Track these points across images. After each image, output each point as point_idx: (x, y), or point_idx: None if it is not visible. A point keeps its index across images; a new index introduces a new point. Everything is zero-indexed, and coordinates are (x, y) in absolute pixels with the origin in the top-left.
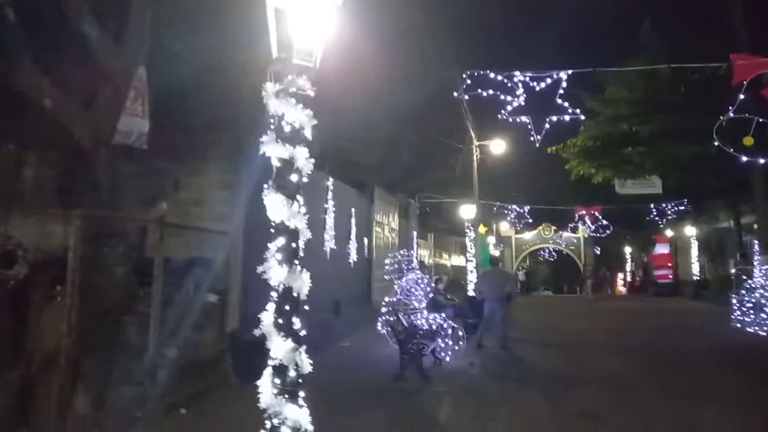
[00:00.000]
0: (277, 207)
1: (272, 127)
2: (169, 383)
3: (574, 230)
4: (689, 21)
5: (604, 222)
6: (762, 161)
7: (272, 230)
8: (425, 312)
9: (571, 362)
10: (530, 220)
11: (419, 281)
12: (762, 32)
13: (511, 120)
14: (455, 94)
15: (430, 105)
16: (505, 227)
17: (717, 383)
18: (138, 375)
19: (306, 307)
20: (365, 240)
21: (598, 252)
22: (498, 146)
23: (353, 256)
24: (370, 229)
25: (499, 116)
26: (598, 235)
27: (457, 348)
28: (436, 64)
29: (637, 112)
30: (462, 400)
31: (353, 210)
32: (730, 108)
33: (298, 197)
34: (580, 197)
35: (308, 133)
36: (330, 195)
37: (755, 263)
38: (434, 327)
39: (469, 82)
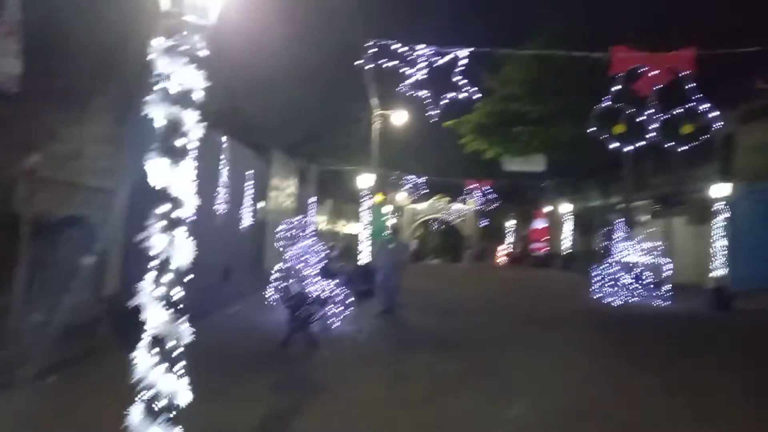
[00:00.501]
0: (160, 172)
1: (159, 86)
2: (39, 348)
3: (464, 202)
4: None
5: (492, 196)
6: (632, 148)
7: (156, 196)
8: (317, 279)
9: (450, 326)
10: (426, 191)
11: (313, 248)
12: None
13: (410, 94)
14: (359, 61)
15: (334, 70)
16: (401, 196)
17: (571, 340)
18: (1, 339)
19: (191, 275)
20: (260, 204)
21: (486, 224)
22: (399, 117)
23: (247, 221)
24: (266, 192)
25: (399, 89)
26: (486, 208)
27: (346, 314)
28: (342, 29)
29: (529, 92)
30: (346, 364)
31: (248, 173)
32: (603, 99)
33: (185, 162)
34: (472, 171)
35: (199, 95)
36: (224, 156)
37: (617, 239)
38: (325, 294)
39: (373, 50)
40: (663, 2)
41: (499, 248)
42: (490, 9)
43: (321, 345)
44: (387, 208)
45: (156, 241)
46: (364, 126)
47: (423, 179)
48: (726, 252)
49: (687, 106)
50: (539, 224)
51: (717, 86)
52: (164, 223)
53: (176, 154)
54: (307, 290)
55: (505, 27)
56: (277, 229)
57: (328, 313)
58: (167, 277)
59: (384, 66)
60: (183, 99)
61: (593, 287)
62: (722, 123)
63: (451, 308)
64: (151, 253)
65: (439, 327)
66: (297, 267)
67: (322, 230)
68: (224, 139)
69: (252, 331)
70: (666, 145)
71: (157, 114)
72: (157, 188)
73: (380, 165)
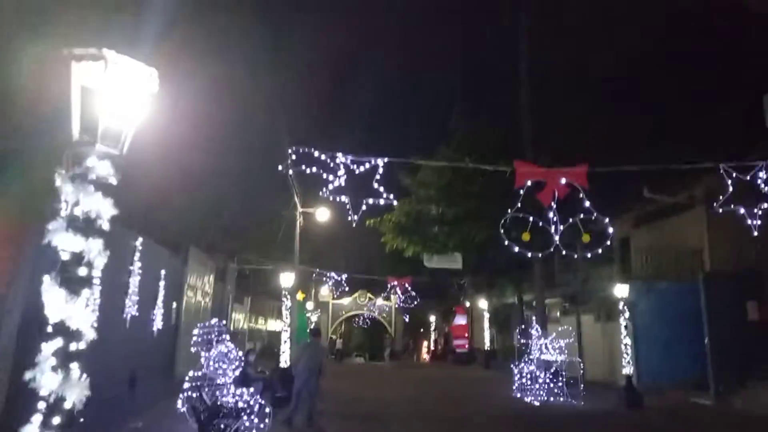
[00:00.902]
0: (57, 303)
1: (63, 214)
2: None
3: (387, 299)
4: (493, 110)
5: (413, 293)
6: (539, 254)
7: (49, 329)
8: (232, 387)
9: None
10: (347, 289)
11: (229, 353)
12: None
13: (332, 199)
14: (280, 167)
15: (256, 171)
16: (323, 292)
17: None
18: None
19: (91, 389)
20: (174, 305)
21: (407, 320)
22: (322, 214)
23: (158, 323)
24: (182, 292)
25: (321, 194)
26: (408, 304)
27: (262, 426)
28: (264, 135)
29: (444, 195)
30: None
31: (163, 272)
32: (510, 207)
33: (86, 293)
34: (394, 267)
35: (105, 225)
36: (137, 256)
37: (533, 337)
38: (240, 404)
39: (294, 156)
40: (557, 120)
41: (423, 345)
42: (405, 115)
43: None
44: (309, 306)
45: (46, 380)
46: (286, 223)
47: (345, 276)
48: (631, 349)
49: (584, 216)
50: (460, 320)
51: (612, 192)
52: (57, 359)
53: (77, 285)
54: (220, 400)
55: (420, 132)
56: (192, 332)
57: (243, 426)
58: (58, 420)
59: (307, 172)
60: (88, 228)
61: (513, 386)
62: (615, 230)
63: (373, 414)
64: (40, 393)
65: None
66: (211, 373)
67: (242, 329)
68: (137, 237)
69: None
70: (566, 253)
71: (61, 242)
72: (51, 321)
73: (303, 262)
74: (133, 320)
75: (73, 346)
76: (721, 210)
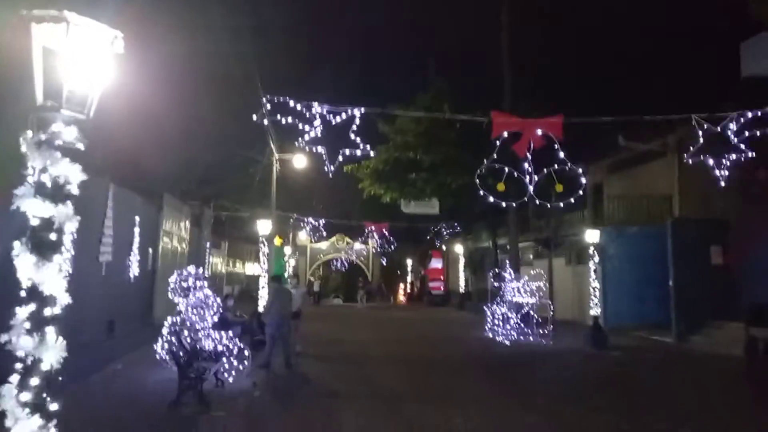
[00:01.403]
0: (28, 269)
1: (31, 180)
2: None
3: (365, 242)
4: (471, 63)
5: (390, 237)
6: (513, 204)
7: (22, 294)
8: (211, 331)
9: (350, 376)
10: (325, 234)
11: (207, 299)
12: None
13: (308, 149)
14: (255, 117)
15: (231, 117)
16: (301, 236)
17: (466, 386)
18: None
19: (69, 331)
20: (150, 251)
21: (385, 263)
22: (298, 161)
23: (134, 269)
24: (157, 239)
25: (297, 144)
26: (385, 248)
27: (241, 368)
28: (239, 81)
29: (422, 142)
30: (239, 425)
31: (137, 219)
32: (487, 157)
33: (57, 258)
34: (372, 212)
35: (74, 190)
36: (110, 203)
37: (506, 280)
38: (219, 348)
39: (269, 107)
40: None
41: (399, 287)
42: (384, 64)
43: (214, 404)
44: (287, 250)
45: (22, 342)
46: (263, 168)
47: (322, 221)
48: (600, 291)
49: (558, 166)
50: (436, 264)
51: (588, 139)
52: (31, 323)
53: (47, 250)
54: (199, 344)
55: (398, 80)
56: (170, 279)
57: (223, 369)
58: (35, 381)
59: (282, 121)
60: (57, 194)
61: (486, 326)
62: (589, 176)
63: (350, 356)
64: (17, 355)
65: (338, 378)
66: (190, 319)
67: (220, 273)
68: (110, 184)
69: (138, 390)
70: (542, 203)
71: (29, 208)
72: (24, 286)
73: (280, 207)
74: (109, 266)
75: (47, 311)
76: (691, 160)
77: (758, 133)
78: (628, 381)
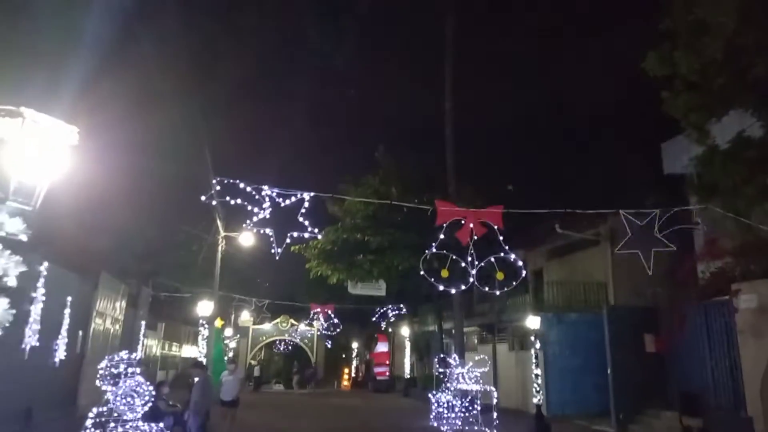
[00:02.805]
0: None
1: None
2: None
3: (310, 325)
4: (418, 143)
5: (336, 320)
6: (454, 291)
7: None
8: (140, 423)
9: None
10: (268, 315)
11: (138, 387)
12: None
13: (256, 231)
14: (203, 198)
15: (176, 193)
16: (244, 317)
17: None
18: None
19: None
20: (80, 333)
21: (329, 346)
22: (245, 239)
23: (61, 353)
24: (89, 320)
25: (245, 226)
26: (330, 331)
27: None
28: (186, 160)
29: (370, 224)
30: None
31: (69, 299)
32: (431, 242)
33: None
34: (318, 293)
35: (12, 282)
36: (41, 282)
37: (451, 366)
38: None
39: (218, 188)
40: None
41: (344, 371)
42: (335, 143)
43: None
44: (228, 332)
45: None
46: (206, 246)
47: (267, 301)
48: (541, 378)
49: (498, 256)
50: (381, 348)
51: (527, 228)
52: None
53: None
54: None
55: (347, 159)
56: (99, 364)
57: None
58: None
59: (230, 202)
60: None
61: (431, 414)
62: (529, 262)
63: None
64: None
65: None
66: (118, 409)
67: (154, 356)
68: (42, 261)
69: None
70: (483, 289)
71: None
72: None
73: (223, 287)
74: (33, 351)
75: None
76: (618, 251)
77: (681, 227)
78: None
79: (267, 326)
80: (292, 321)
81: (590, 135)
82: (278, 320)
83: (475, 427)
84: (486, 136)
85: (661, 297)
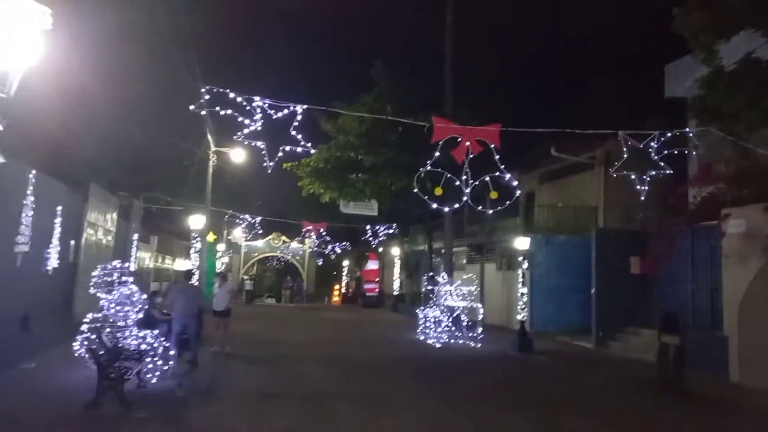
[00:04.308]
0: None
1: None
2: None
3: (302, 242)
4: (415, 66)
5: (328, 237)
6: (447, 209)
7: None
8: (135, 329)
9: (281, 376)
10: (260, 231)
11: (131, 296)
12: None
13: (247, 143)
14: (192, 107)
15: (167, 104)
16: (236, 234)
17: (396, 387)
18: None
19: None
20: (72, 243)
21: (320, 264)
22: (237, 155)
23: (54, 262)
24: (81, 230)
25: (236, 137)
26: (322, 248)
27: (166, 368)
28: (178, 67)
29: (363, 143)
30: (161, 427)
31: (60, 208)
32: (426, 160)
33: None
34: (310, 211)
35: None
36: (30, 190)
37: (439, 284)
38: (143, 347)
39: (207, 97)
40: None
41: (335, 288)
42: (327, 63)
43: (136, 405)
44: (220, 247)
45: None
46: (198, 161)
47: (259, 218)
48: (527, 297)
49: (493, 175)
50: (372, 266)
51: (522, 149)
52: None
53: None
54: (122, 343)
55: (341, 79)
56: (93, 273)
57: (146, 369)
58: None
59: (221, 114)
60: None
61: (418, 329)
62: (521, 188)
63: (281, 356)
64: None
65: (268, 379)
66: (112, 316)
67: (147, 268)
68: (31, 169)
69: (52, 390)
70: (477, 208)
71: None
72: None
73: (215, 202)
74: (25, 258)
75: None
76: (615, 174)
77: (676, 151)
78: (549, 383)
79: (259, 243)
80: (284, 238)
81: (591, 58)
82: (270, 237)
83: (461, 341)
84: (485, 60)
85: (651, 221)
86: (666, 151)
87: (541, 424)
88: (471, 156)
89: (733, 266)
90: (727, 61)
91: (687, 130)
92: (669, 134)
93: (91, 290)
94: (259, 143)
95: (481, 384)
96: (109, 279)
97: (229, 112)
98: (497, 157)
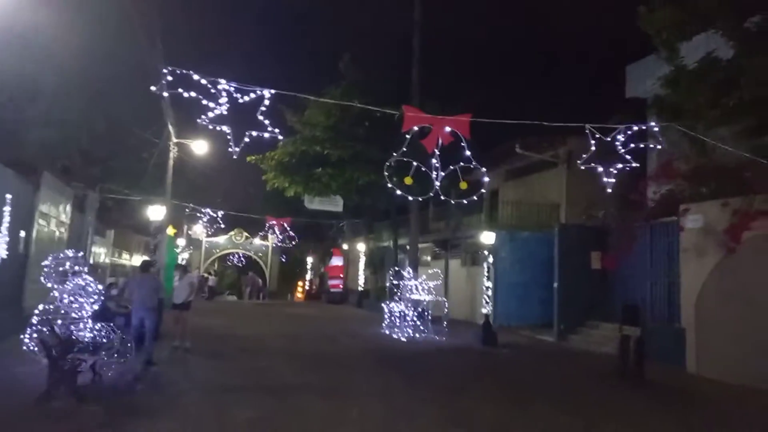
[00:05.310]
0: None
1: None
2: None
3: (264, 238)
4: (383, 62)
5: (291, 233)
6: (419, 198)
7: None
8: (90, 322)
9: (242, 370)
10: (222, 226)
11: (87, 286)
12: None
13: (211, 128)
14: (153, 88)
15: (126, 91)
16: (197, 229)
17: (361, 379)
18: None
19: None
20: (22, 233)
21: (284, 260)
22: (199, 146)
23: (2, 252)
24: (32, 221)
25: (199, 121)
26: (286, 244)
27: (122, 361)
28: (137, 50)
29: (330, 137)
30: (116, 420)
31: (9, 196)
32: (396, 153)
33: None
34: (274, 207)
35: None
36: None
37: (404, 278)
38: (98, 339)
39: (170, 77)
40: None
41: (298, 284)
42: (294, 55)
43: (88, 398)
44: (180, 241)
45: None
46: (158, 152)
47: (221, 213)
48: (491, 292)
49: (463, 165)
50: (336, 262)
51: (487, 146)
52: None
53: None
54: (75, 334)
55: (308, 72)
56: (44, 263)
57: (100, 361)
58: None
59: (183, 96)
60: None
61: (383, 323)
62: (489, 181)
63: (244, 350)
64: None
65: (230, 373)
66: (65, 307)
67: (103, 263)
68: None
69: (1, 384)
70: (444, 199)
71: None
72: None
73: (176, 196)
74: None
75: None
76: (582, 166)
77: (642, 145)
78: (514, 374)
79: (221, 239)
80: (246, 234)
81: (556, 60)
82: (232, 233)
83: (426, 335)
84: (452, 57)
85: (612, 217)
86: (630, 145)
87: (507, 412)
88: (441, 147)
89: (691, 260)
90: (688, 61)
91: (651, 123)
92: (630, 132)
93: (42, 280)
94: (224, 128)
95: (448, 375)
96: (61, 269)
97: (192, 94)
98: (463, 145)
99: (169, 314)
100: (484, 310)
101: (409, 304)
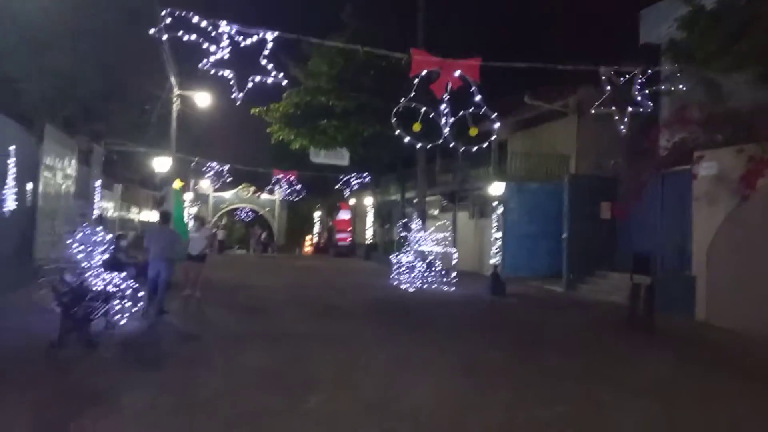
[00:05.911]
0: None
1: None
2: None
3: (271, 192)
4: (387, 12)
5: (299, 187)
6: (427, 145)
7: None
8: (101, 271)
9: (254, 320)
10: (230, 179)
11: (97, 237)
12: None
13: (213, 72)
14: (152, 31)
15: (125, 40)
16: (203, 184)
17: (372, 329)
18: None
19: None
20: (29, 186)
21: (292, 215)
22: (202, 99)
23: (11, 203)
24: (37, 173)
25: (201, 66)
26: (293, 198)
27: (134, 310)
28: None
29: (335, 87)
30: (127, 368)
31: (13, 148)
32: (404, 98)
33: None
34: (280, 160)
35: None
36: None
37: (413, 231)
38: (110, 288)
39: (169, 20)
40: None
41: (306, 238)
42: (296, 3)
43: (101, 346)
44: (187, 196)
45: None
46: (161, 105)
47: (227, 167)
48: (500, 243)
49: (473, 111)
50: (344, 215)
51: (495, 97)
52: None
53: None
54: (86, 283)
55: (311, 21)
56: (54, 214)
57: (112, 310)
58: None
59: (184, 40)
60: None
61: (392, 275)
62: (498, 132)
63: (255, 301)
64: None
65: (242, 322)
66: (76, 257)
67: (111, 217)
68: None
69: (13, 333)
70: (453, 145)
71: None
72: None
73: (180, 149)
74: None
75: None
76: (593, 111)
77: (655, 89)
78: (522, 323)
79: (228, 194)
80: (253, 188)
81: (567, 6)
82: (239, 188)
83: (435, 286)
84: (459, 6)
85: (622, 167)
86: (644, 91)
87: (516, 359)
88: (450, 91)
89: (703, 209)
90: (705, 1)
91: (665, 67)
92: (642, 77)
93: (54, 231)
94: (226, 72)
95: (456, 324)
96: (72, 219)
97: (193, 37)
98: (473, 90)
99: (182, 265)
100: (493, 261)
101: (418, 256)
